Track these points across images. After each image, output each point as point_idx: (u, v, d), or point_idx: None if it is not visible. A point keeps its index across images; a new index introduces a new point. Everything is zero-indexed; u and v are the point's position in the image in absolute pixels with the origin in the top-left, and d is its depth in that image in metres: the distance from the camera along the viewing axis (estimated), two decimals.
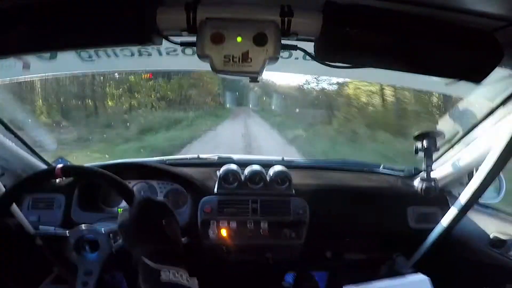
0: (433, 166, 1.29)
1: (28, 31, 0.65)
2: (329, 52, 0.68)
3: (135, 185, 1.36)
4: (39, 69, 1.35)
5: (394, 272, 1.13)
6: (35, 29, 0.65)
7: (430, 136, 1.23)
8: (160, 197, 1.36)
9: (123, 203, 1.31)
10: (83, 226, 0.94)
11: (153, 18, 0.66)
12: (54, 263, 1.03)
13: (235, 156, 1.50)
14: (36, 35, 0.66)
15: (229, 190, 1.29)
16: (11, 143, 1.18)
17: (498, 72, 0.70)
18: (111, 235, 0.94)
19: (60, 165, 0.82)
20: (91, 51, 1.27)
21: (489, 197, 1.24)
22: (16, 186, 0.85)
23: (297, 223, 1.27)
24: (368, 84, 7.20)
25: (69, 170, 0.85)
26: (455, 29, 0.65)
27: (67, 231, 0.95)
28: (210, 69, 0.70)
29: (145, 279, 0.62)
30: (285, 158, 1.56)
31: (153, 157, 1.58)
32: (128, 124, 7.00)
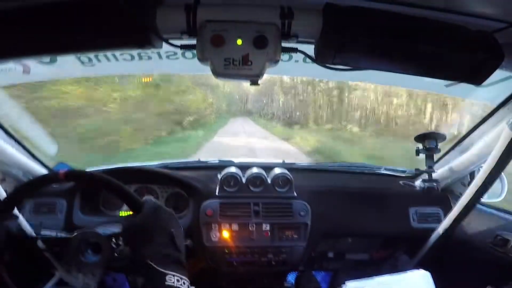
0: (435, 167, 1.29)
1: (27, 35, 0.65)
2: (329, 55, 0.68)
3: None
4: (39, 73, 1.35)
5: (396, 272, 1.13)
6: (35, 33, 0.65)
7: (431, 137, 1.23)
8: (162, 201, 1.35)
9: (125, 207, 1.30)
10: (85, 230, 0.94)
11: (153, 21, 0.66)
12: (56, 266, 1.03)
13: (236, 160, 1.50)
14: (36, 38, 0.65)
15: (230, 193, 1.28)
16: (11, 148, 1.18)
17: (499, 73, 0.70)
18: (113, 238, 0.94)
19: (63, 170, 0.82)
20: (91, 55, 1.27)
21: (490, 196, 1.24)
22: (18, 190, 0.84)
23: (299, 225, 1.26)
24: None
25: (72, 175, 0.84)
26: (456, 31, 0.65)
27: (69, 235, 0.94)
28: (210, 72, 0.70)
29: (149, 281, 0.62)
30: (285, 161, 1.56)
31: None
32: None
